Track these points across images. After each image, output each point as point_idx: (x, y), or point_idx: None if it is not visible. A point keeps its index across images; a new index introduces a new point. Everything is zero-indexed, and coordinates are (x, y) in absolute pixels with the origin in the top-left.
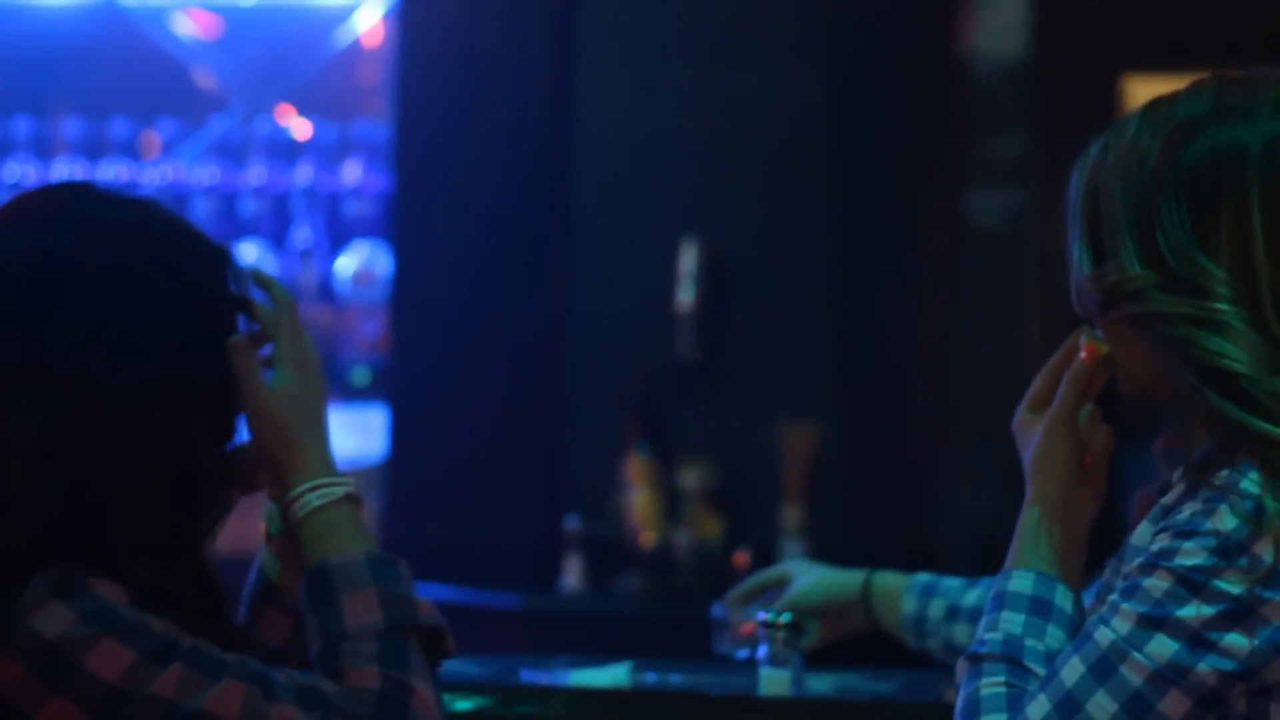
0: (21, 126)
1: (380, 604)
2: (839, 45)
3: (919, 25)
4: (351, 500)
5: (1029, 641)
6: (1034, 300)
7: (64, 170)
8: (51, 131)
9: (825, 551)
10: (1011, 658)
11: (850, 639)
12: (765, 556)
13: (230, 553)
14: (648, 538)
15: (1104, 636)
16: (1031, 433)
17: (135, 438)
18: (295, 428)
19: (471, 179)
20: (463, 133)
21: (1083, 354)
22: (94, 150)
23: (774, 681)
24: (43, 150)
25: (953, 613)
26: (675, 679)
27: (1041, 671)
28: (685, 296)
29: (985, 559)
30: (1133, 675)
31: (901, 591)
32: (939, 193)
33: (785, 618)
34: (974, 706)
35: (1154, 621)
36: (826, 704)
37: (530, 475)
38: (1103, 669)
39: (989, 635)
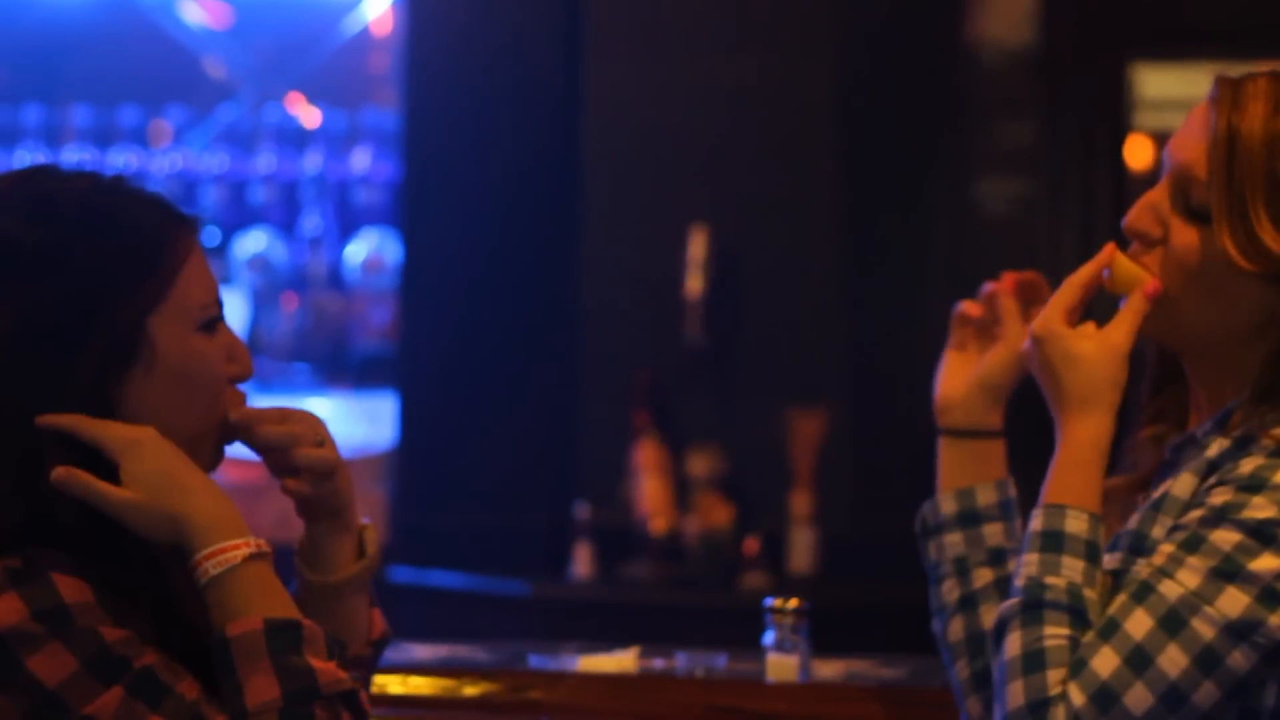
0: (31, 114)
1: (277, 678)
2: (848, 33)
3: (928, 13)
4: (254, 559)
5: (1087, 591)
6: None
7: (73, 158)
8: (61, 119)
9: (833, 539)
10: (1075, 607)
11: (857, 626)
12: (774, 543)
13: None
14: (657, 525)
15: (1171, 590)
16: (1064, 346)
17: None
18: (167, 504)
19: (480, 167)
20: (471, 121)
21: (1148, 289)
22: (103, 138)
23: (781, 667)
24: (52, 138)
25: (961, 567)
26: (683, 665)
27: (1094, 620)
28: (694, 284)
29: None
30: (1205, 629)
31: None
32: (947, 181)
33: (793, 604)
34: (1038, 656)
35: (1225, 575)
36: (834, 690)
37: (539, 462)
38: (1173, 623)
39: (1052, 579)
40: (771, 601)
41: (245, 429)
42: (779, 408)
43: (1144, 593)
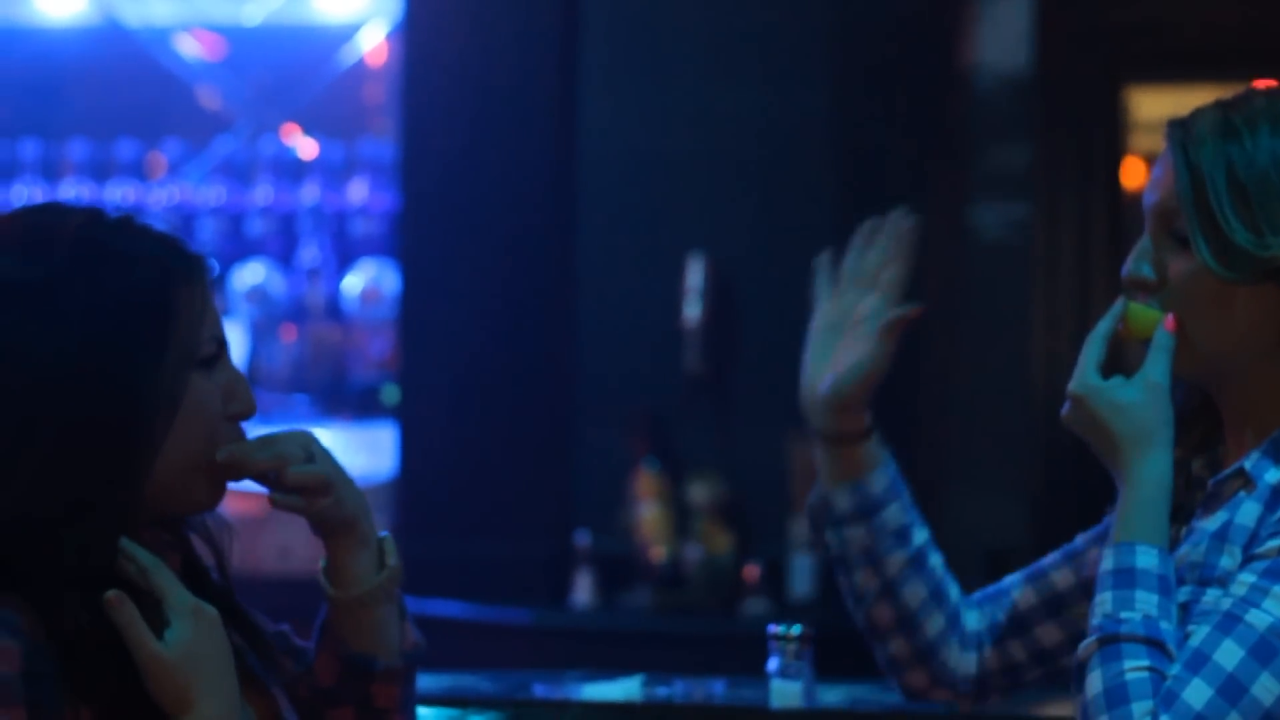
0: (28, 148)
1: None
2: (842, 60)
3: (921, 40)
4: None
5: (1164, 624)
6: (1038, 311)
7: (71, 192)
8: (58, 153)
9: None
10: (1153, 639)
11: (861, 652)
12: (775, 569)
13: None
14: (657, 552)
15: (1259, 619)
16: (1108, 398)
17: (24, 453)
18: (191, 684)
19: (477, 197)
20: (468, 151)
21: (1168, 324)
22: (100, 172)
23: (785, 694)
24: (49, 172)
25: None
26: (686, 693)
27: (1175, 653)
28: (692, 312)
29: (992, 570)
30: None
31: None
32: (943, 206)
33: (796, 630)
34: (1120, 690)
35: None
36: (838, 715)
37: (540, 491)
38: (1264, 652)
39: (1127, 614)
40: (775, 628)
41: (234, 466)
42: (778, 434)
43: (1230, 624)
